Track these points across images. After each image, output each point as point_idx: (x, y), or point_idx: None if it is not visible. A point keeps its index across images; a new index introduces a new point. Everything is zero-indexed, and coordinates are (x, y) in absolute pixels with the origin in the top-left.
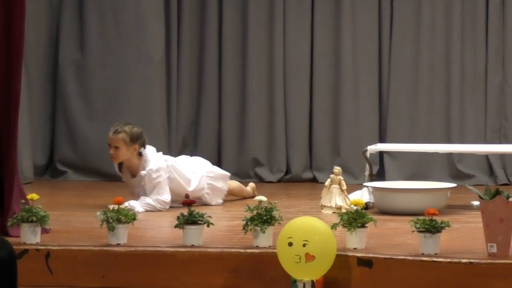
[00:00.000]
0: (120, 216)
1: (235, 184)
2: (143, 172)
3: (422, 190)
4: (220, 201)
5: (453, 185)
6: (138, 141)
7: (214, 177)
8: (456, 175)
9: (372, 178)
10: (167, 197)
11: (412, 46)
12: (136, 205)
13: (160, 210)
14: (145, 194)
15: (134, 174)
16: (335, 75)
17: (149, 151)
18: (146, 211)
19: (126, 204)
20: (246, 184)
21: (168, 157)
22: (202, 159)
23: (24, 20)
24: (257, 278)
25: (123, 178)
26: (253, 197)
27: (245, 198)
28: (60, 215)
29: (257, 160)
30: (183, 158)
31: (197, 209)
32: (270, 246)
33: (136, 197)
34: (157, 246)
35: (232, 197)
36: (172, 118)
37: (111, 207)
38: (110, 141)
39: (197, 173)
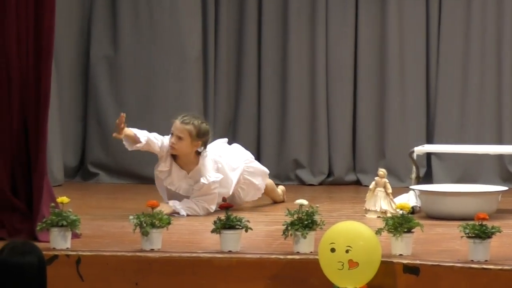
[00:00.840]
0: (154, 220)
1: (269, 181)
2: (203, 181)
3: (472, 193)
4: (255, 197)
5: (504, 188)
6: (203, 138)
7: (253, 172)
8: (507, 177)
9: (419, 180)
10: (213, 207)
11: (462, 41)
12: (181, 208)
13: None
14: (188, 193)
15: (185, 170)
16: (380, 72)
17: (209, 153)
18: (187, 215)
19: (170, 203)
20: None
21: (215, 155)
22: (242, 148)
23: (55, 14)
24: (298, 286)
25: (162, 172)
26: (282, 201)
27: (274, 201)
28: (91, 219)
29: (298, 161)
30: (222, 149)
31: (235, 213)
32: (311, 252)
33: (174, 192)
34: (193, 252)
35: (269, 200)
36: (209, 117)
37: (159, 209)
38: (174, 130)
39: (237, 169)
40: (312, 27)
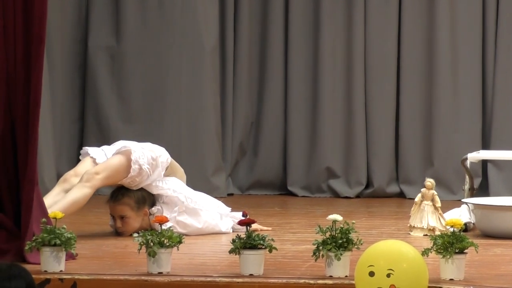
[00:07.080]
0: (163, 239)
1: None
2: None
3: None
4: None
5: None
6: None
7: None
8: None
9: (473, 193)
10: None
11: None
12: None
13: None
14: None
15: None
16: (428, 67)
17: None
18: None
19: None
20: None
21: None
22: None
23: None
24: None
25: None
26: None
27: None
28: (89, 237)
29: (332, 170)
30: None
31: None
32: (346, 276)
33: None
34: (208, 275)
35: (297, 216)
36: (228, 118)
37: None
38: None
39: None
40: (349, 14)
